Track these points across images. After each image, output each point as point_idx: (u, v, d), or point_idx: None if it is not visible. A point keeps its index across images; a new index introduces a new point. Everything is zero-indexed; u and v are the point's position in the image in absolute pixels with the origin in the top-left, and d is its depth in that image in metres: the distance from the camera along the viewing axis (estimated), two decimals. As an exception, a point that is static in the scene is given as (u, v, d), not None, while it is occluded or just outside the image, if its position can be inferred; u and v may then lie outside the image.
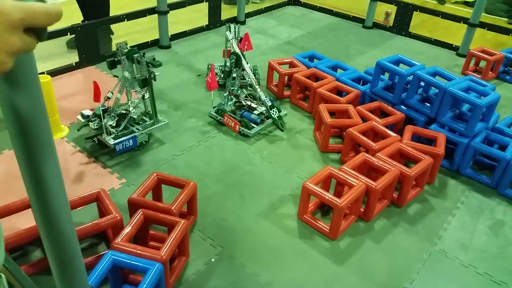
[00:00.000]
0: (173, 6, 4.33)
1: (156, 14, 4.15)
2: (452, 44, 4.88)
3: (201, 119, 3.22)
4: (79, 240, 1.21)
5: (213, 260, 2.11)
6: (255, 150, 2.96)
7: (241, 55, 3.17)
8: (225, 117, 3.11)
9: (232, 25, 3.39)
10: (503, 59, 4.25)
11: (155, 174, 2.19)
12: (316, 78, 3.54)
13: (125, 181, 2.58)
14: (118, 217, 1.94)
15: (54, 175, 1.01)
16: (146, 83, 2.72)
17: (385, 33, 5.23)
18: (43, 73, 3.30)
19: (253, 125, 3.10)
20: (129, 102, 2.86)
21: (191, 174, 2.67)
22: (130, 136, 2.76)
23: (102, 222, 1.91)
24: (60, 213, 1.06)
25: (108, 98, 2.79)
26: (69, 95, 3.40)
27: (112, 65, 2.76)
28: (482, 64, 4.34)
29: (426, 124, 3.01)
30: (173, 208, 1.98)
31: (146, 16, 4.15)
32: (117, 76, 2.78)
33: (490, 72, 4.26)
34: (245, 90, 3.32)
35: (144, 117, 2.93)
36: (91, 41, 3.79)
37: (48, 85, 2.73)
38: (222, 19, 4.94)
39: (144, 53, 2.68)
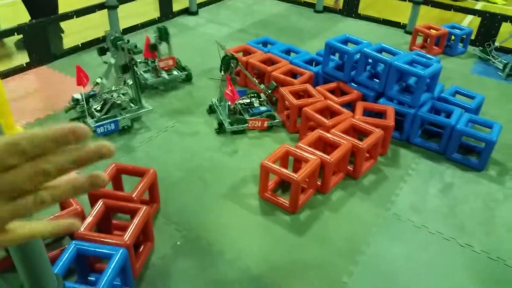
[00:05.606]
0: (123, 0, 4.30)
1: (106, 9, 4.10)
2: (400, 23, 5.07)
3: (159, 110, 3.24)
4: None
5: (178, 243, 2.17)
6: (212, 135, 3.01)
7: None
8: (250, 121, 3.03)
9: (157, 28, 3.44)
10: (447, 34, 4.46)
11: (114, 164, 2.22)
12: (272, 62, 3.61)
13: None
14: (79, 209, 1.96)
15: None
16: (126, 69, 2.82)
17: (335, 16, 5.37)
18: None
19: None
20: (113, 88, 2.96)
21: (152, 164, 2.68)
22: (111, 120, 2.84)
23: (63, 215, 1.93)
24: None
25: (97, 83, 2.89)
26: (21, 96, 3.34)
27: (102, 52, 2.89)
28: (428, 39, 4.54)
29: (376, 99, 3.15)
30: (133, 195, 2.01)
31: (95, 11, 4.10)
32: (106, 62, 2.88)
33: (435, 47, 4.46)
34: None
35: (131, 103, 3.02)
36: (41, 40, 3.72)
37: (-2, 86, 2.68)
38: (174, 10, 4.93)
39: (128, 40, 2.77)
